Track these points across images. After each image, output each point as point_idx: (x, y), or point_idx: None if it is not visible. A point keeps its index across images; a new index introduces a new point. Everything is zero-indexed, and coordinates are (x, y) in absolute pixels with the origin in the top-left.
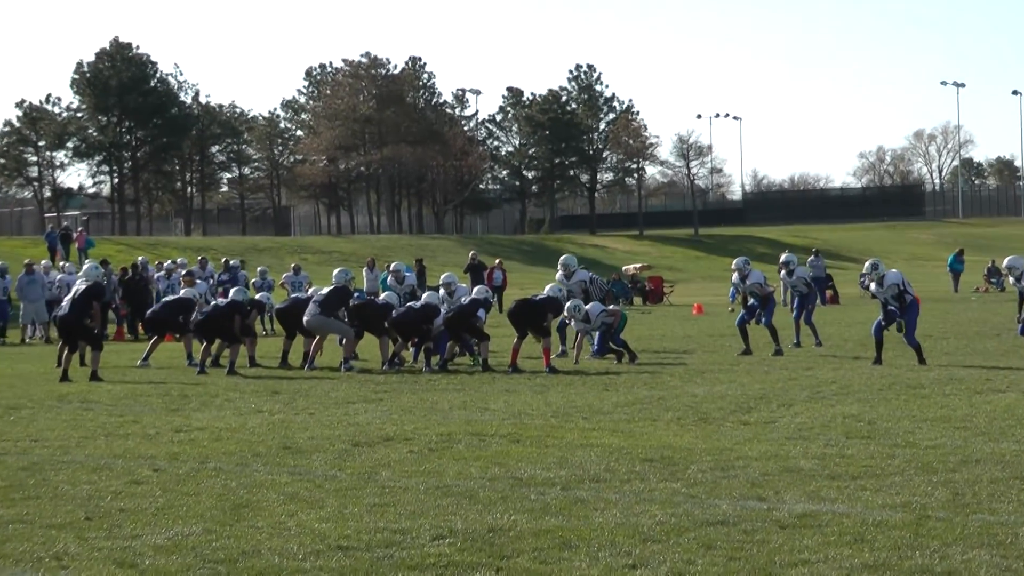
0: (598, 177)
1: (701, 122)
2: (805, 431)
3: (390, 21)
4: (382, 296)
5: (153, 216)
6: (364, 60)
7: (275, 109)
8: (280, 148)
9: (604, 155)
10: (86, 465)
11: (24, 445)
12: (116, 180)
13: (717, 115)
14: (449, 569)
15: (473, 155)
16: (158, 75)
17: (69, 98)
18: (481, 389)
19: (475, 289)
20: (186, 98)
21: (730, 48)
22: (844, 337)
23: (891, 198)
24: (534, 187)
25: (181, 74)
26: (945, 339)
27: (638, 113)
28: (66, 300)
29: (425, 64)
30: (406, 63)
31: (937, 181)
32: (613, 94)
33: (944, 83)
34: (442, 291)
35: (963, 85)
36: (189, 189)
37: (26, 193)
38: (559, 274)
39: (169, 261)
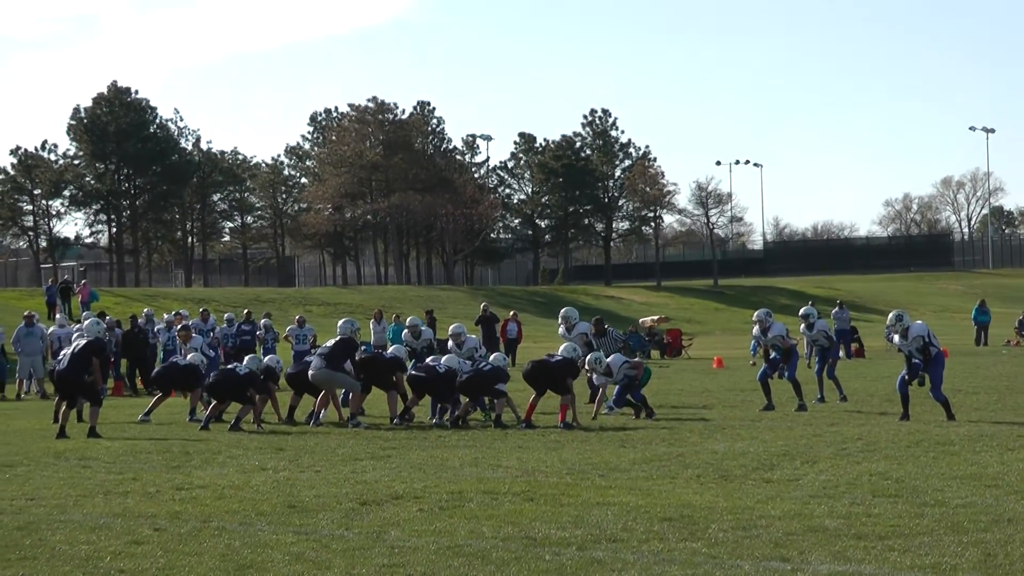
0: (614, 226)
1: (721, 169)
2: (830, 489)
3: (397, 65)
4: (390, 349)
5: (152, 266)
6: (371, 105)
7: (279, 156)
8: (284, 196)
9: (620, 203)
10: (84, 524)
11: (20, 504)
12: (114, 229)
13: (737, 161)
14: None
15: (484, 203)
16: (157, 120)
17: (65, 145)
18: (493, 446)
19: (494, 356)
20: (186, 144)
21: (750, 92)
22: (870, 392)
23: (918, 247)
24: (547, 236)
25: (181, 119)
26: (975, 394)
27: (655, 159)
28: (64, 354)
29: (434, 109)
30: (414, 108)
31: (966, 230)
32: (629, 140)
33: (973, 128)
34: (451, 343)
35: (992, 131)
36: (190, 238)
37: (21, 243)
38: (560, 328)
39: (169, 313)
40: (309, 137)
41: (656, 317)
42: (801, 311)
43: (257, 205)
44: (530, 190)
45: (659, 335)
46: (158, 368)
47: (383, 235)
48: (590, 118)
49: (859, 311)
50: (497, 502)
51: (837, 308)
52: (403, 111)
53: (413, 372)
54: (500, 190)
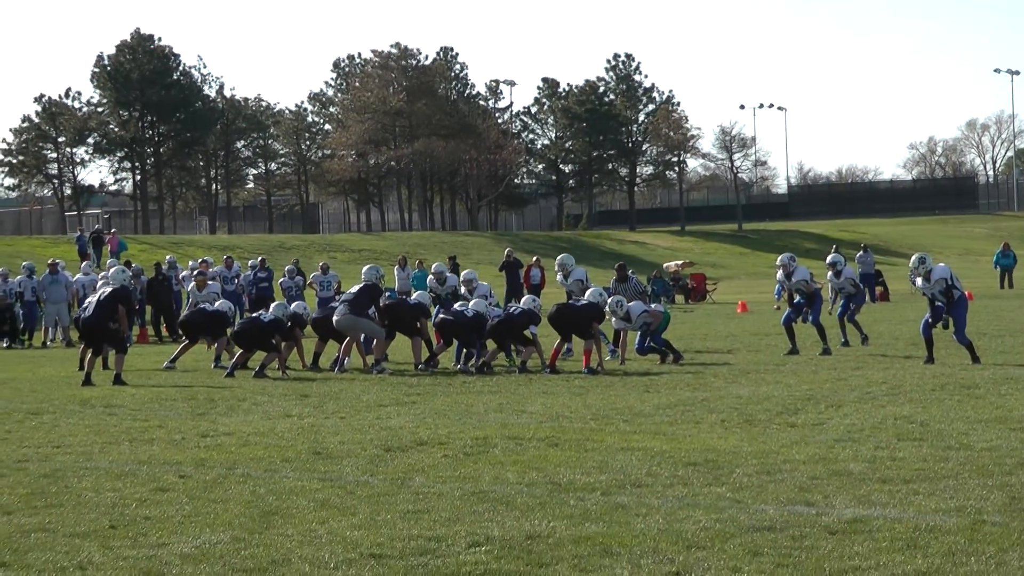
0: (637, 171)
1: (744, 113)
2: (855, 433)
3: (420, 10)
4: (414, 295)
5: (177, 214)
6: (394, 51)
7: (302, 102)
8: (308, 143)
9: (644, 148)
10: (110, 472)
11: (46, 451)
12: (138, 177)
13: (761, 105)
14: None
15: (507, 149)
16: (181, 68)
17: (89, 92)
18: (517, 391)
19: (524, 300)
20: (210, 91)
21: (774, 36)
22: (895, 335)
23: (943, 191)
24: (571, 181)
25: (205, 66)
26: (1000, 337)
27: (679, 104)
28: (89, 302)
29: (457, 55)
30: (437, 54)
31: (991, 172)
32: (652, 84)
33: (997, 71)
34: (463, 288)
35: (1017, 72)
36: (214, 186)
37: (46, 191)
38: (558, 276)
39: (194, 260)
40: (332, 83)
41: (680, 262)
42: (828, 259)
43: (281, 152)
44: (554, 135)
45: (683, 280)
46: (185, 314)
47: (407, 181)
48: (613, 63)
49: (883, 255)
50: (522, 448)
51: (861, 252)
52: (426, 57)
53: (442, 317)
54: (524, 135)
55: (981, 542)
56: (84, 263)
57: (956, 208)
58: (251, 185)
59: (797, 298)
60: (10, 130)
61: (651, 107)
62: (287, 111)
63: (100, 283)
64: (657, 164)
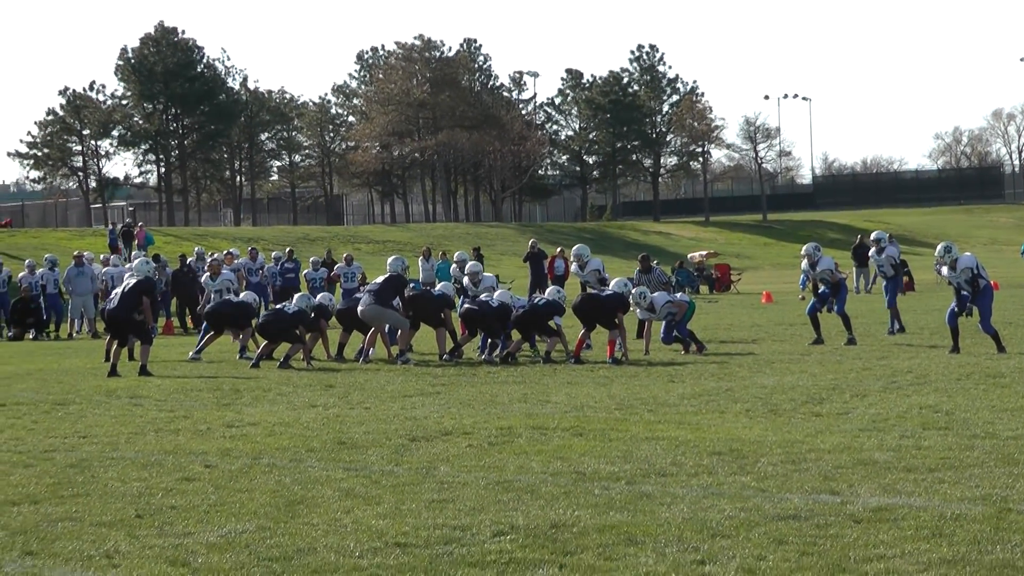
0: (662, 161)
1: (769, 103)
2: (880, 422)
3: (444, 2)
4: (438, 286)
5: (201, 206)
6: (417, 42)
7: (326, 94)
8: (331, 135)
9: (668, 138)
10: (136, 461)
11: (72, 442)
12: (163, 169)
13: (785, 96)
14: (511, 566)
15: (531, 140)
16: (205, 60)
17: (113, 85)
18: (542, 381)
19: (549, 291)
20: (234, 84)
21: (798, 26)
22: (920, 325)
23: (968, 180)
24: (595, 172)
25: (228, 59)
26: None
27: (703, 94)
28: (115, 293)
29: (481, 46)
30: (461, 45)
31: (1017, 162)
32: (676, 75)
33: (1023, 60)
34: (466, 280)
35: None
36: (238, 178)
37: (71, 184)
38: (573, 266)
39: (220, 252)
40: (356, 75)
41: (705, 252)
42: (873, 234)
43: (305, 144)
44: (577, 126)
45: (708, 270)
46: (210, 305)
47: (431, 173)
48: (637, 53)
49: (909, 245)
50: (546, 437)
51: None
52: (450, 48)
53: (467, 307)
54: (547, 126)
55: (1007, 530)
56: (112, 255)
57: (982, 198)
58: (275, 177)
59: (822, 288)
60: (35, 123)
61: (675, 98)
62: (311, 103)
63: (127, 275)
64: (681, 155)
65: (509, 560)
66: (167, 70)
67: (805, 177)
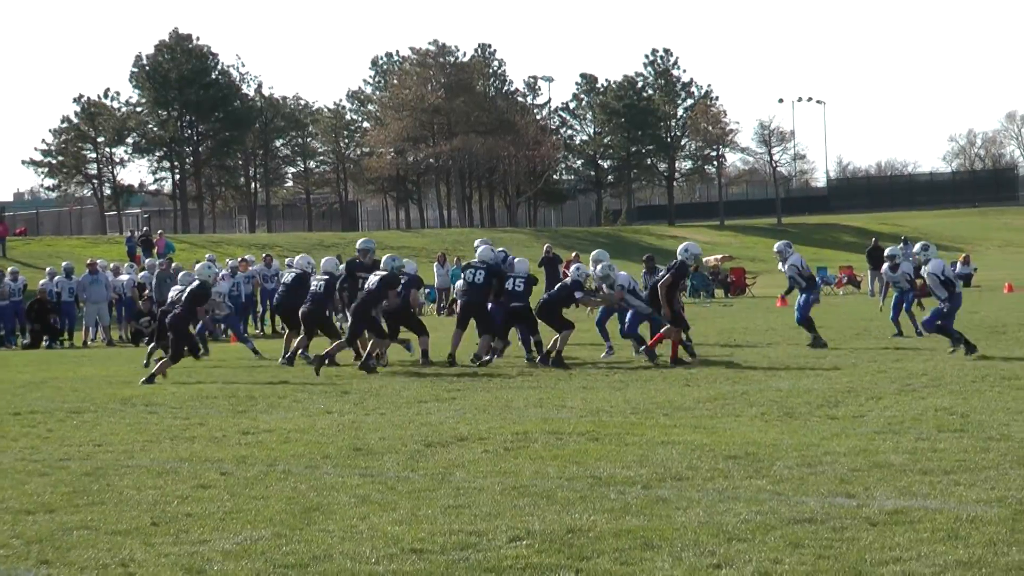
0: (676, 165)
1: (783, 107)
2: (895, 425)
3: (458, 7)
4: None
5: (216, 213)
6: (432, 48)
7: (340, 100)
8: (346, 141)
9: (682, 142)
10: (151, 469)
11: (87, 450)
12: (177, 176)
13: (800, 99)
14: (527, 571)
15: (546, 145)
16: (219, 67)
17: (128, 92)
18: (557, 386)
19: (572, 270)
20: (248, 90)
21: (813, 29)
22: None
23: (983, 183)
24: (610, 177)
25: (243, 65)
26: None
27: (717, 98)
28: (176, 298)
29: (495, 51)
30: (475, 50)
31: None
32: (691, 79)
33: None
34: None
35: None
36: (253, 184)
37: (85, 191)
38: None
39: (234, 259)
40: (371, 81)
41: (720, 256)
42: (887, 251)
43: (320, 150)
44: (592, 131)
45: (723, 274)
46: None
47: (445, 178)
48: (651, 58)
49: None
50: (562, 442)
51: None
52: (464, 54)
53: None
54: (562, 131)
55: (1023, 532)
56: (127, 264)
57: (996, 200)
58: (290, 183)
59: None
60: (49, 131)
61: (689, 101)
62: (325, 109)
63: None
64: (696, 159)
65: (525, 565)
66: (182, 77)
67: (820, 180)
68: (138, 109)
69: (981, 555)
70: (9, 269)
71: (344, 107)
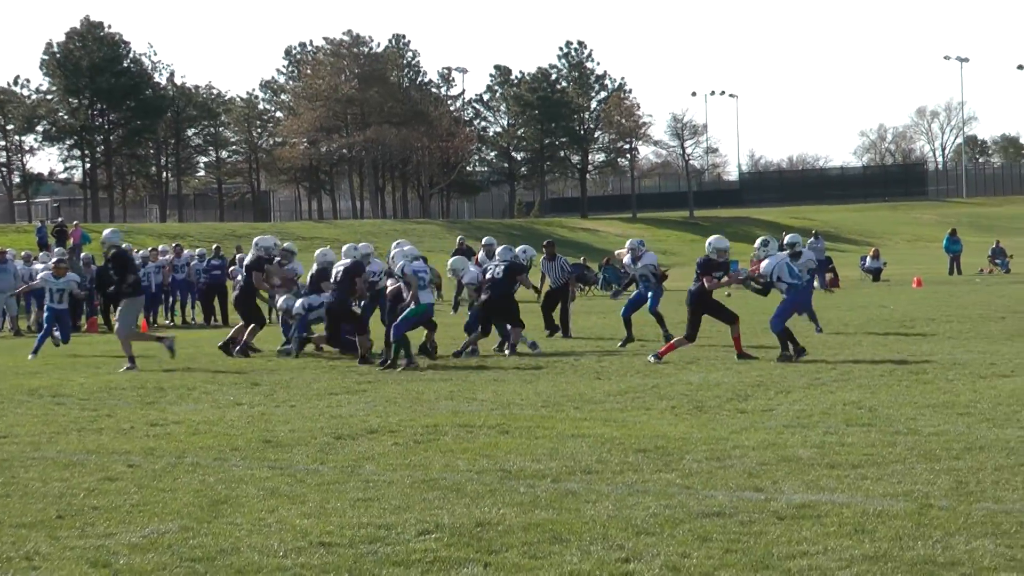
0: (589, 158)
1: (696, 100)
2: (804, 419)
3: None
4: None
5: (127, 202)
6: (346, 38)
7: (253, 90)
8: (259, 130)
9: (596, 135)
10: (57, 461)
11: None
12: (88, 165)
13: (712, 93)
14: (435, 565)
15: (459, 136)
16: (131, 55)
17: (38, 80)
18: (468, 379)
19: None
20: (160, 79)
21: (726, 23)
22: (844, 321)
23: (893, 177)
24: (523, 169)
25: (155, 54)
26: (948, 322)
27: (631, 91)
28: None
29: (409, 42)
30: (389, 41)
31: (940, 159)
32: (605, 72)
33: (947, 58)
34: (482, 253)
35: (967, 60)
36: (164, 174)
37: None
38: (627, 258)
39: (145, 249)
40: (284, 71)
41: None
42: (786, 239)
43: (232, 140)
44: (506, 123)
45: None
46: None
47: (359, 169)
48: (566, 50)
49: (834, 241)
50: (472, 435)
51: (812, 238)
52: (378, 44)
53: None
54: (476, 123)
55: (928, 526)
56: (42, 253)
57: (906, 195)
58: (202, 173)
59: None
60: None
61: (603, 94)
62: (238, 99)
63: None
64: (609, 151)
65: (434, 559)
66: (93, 65)
67: (732, 174)
68: (48, 97)
69: (887, 549)
70: None
71: (257, 96)
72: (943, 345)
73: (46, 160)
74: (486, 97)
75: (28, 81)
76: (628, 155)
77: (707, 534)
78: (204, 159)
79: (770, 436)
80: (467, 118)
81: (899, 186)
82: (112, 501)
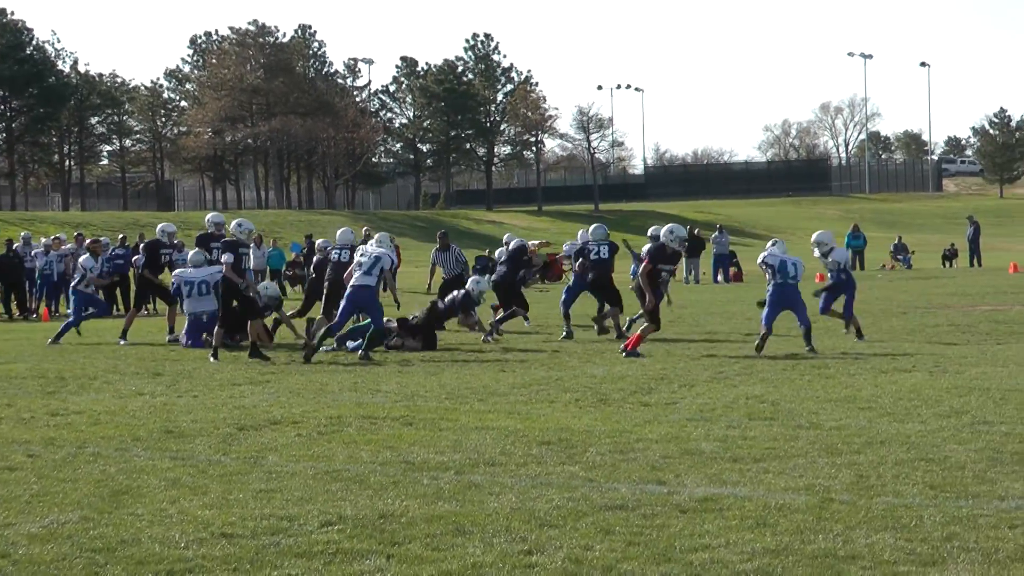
0: (495, 151)
1: (602, 94)
2: (707, 412)
3: None
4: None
5: (29, 190)
6: (251, 28)
7: (158, 79)
8: (163, 119)
9: (501, 128)
10: None
11: None
12: None
13: (618, 86)
14: (338, 556)
15: (365, 127)
16: (34, 42)
17: None
18: (373, 370)
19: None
20: (64, 66)
21: (632, 17)
22: (748, 316)
23: (797, 173)
24: (429, 161)
25: (59, 41)
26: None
27: (537, 84)
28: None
29: (315, 32)
30: (295, 31)
31: (843, 155)
32: (511, 64)
33: (851, 55)
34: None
35: (870, 57)
36: (67, 162)
37: None
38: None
39: (47, 237)
40: (189, 60)
41: (537, 242)
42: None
43: (136, 129)
44: (412, 114)
45: (540, 260)
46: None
47: (263, 159)
48: (472, 42)
49: (738, 236)
50: (376, 427)
51: (717, 232)
52: (284, 34)
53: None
54: (382, 114)
55: (829, 520)
56: None
57: (809, 190)
58: (105, 162)
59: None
60: None
61: (509, 87)
62: (142, 87)
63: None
64: (515, 144)
65: (336, 551)
66: None
67: (637, 168)
68: None
69: (788, 543)
70: None
71: (162, 85)
72: (845, 340)
73: None
74: (392, 88)
75: None
76: (534, 148)
77: (610, 527)
78: (108, 148)
79: (673, 429)
80: (373, 109)
81: (803, 181)
82: (11, 491)
